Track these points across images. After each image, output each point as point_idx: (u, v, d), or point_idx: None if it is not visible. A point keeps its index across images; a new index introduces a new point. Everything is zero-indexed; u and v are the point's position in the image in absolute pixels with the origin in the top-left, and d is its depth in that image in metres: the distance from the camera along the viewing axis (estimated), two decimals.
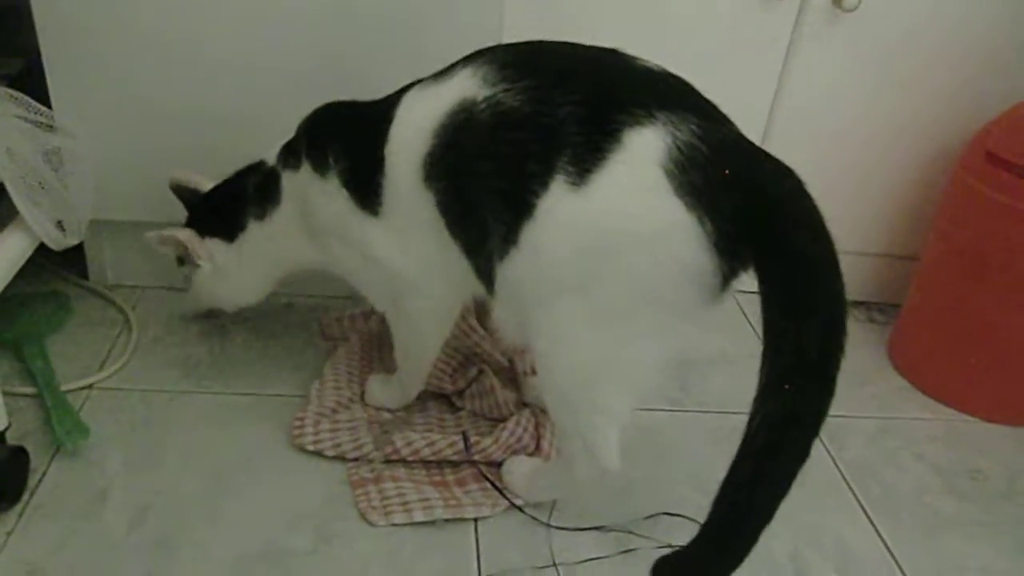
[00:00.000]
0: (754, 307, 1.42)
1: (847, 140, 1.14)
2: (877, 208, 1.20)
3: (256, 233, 0.89)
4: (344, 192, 0.78)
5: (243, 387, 0.96)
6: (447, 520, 0.79)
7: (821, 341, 0.60)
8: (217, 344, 1.03)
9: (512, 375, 0.97)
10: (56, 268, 1.12)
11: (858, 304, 1.29)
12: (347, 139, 0.78)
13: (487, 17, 0.93)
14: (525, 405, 0.92)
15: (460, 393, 0.95)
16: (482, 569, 0.75)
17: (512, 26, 0.93)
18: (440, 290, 0.80)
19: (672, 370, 1.07)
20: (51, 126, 0.89)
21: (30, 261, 0.89)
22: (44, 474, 0.81)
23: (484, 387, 0.93)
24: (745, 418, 1.04)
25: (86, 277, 1.12)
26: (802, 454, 0.61)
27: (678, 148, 0.60)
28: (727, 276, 0.63)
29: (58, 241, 0.90)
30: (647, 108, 0.61)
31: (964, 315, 1.05)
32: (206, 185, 0.93)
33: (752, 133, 1.27)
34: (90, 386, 0.94)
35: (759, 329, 1.18)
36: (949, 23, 1.06)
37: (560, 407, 0.74)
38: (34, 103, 0.88)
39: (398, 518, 0.78)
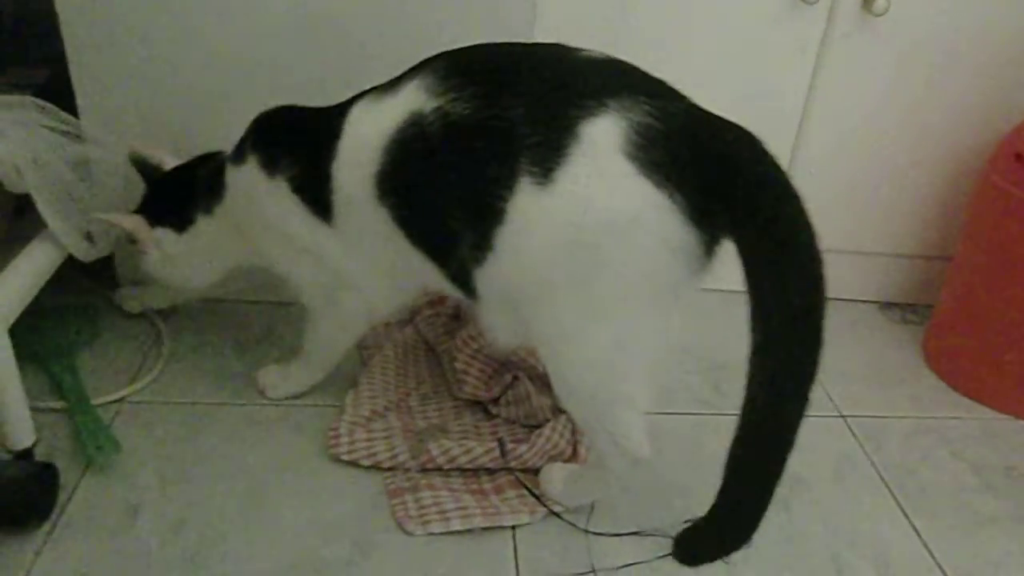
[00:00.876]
0: None
1: (878, 142, 1.14)
2: (909, 209, 1.20)
3: (203, 227, 0.88)
4: (295, 197, 0.78)
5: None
6: (485, 528, 0.79)
7: (804, 293, 0.61)
8: (251, 355, 1.02)
9: (547, 381, 0.96)
10: (85, 280, 1.10)
11: (892, 305, 1.29)
12: (296, 148, 0.78)
13: (519, 19, 0.93)
14: (561, 411, 0.91)
15: (495, 400, 0.94)
16: None
17: (544, 28, 0.93)
18: (382, 292, 0.82)
19: (706, 373, 1.06)
20: (79, 136, 0.89)
21: (58, 273, 0.88)
22: (75, 490, 0.80)
23: (520, 394, 0.92)
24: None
25: (116, 289, 1.10)
26: (803, 404, 0.63)
27: (635, 131, 0.61)
28: (709, 244, 0.64)
29: (87, 253, 0.89)
30: (597, 98, 0.62)
31: (996, 314, 1.05)
32: (167, 162, 0.91)
33: (785, 136, 1.26)
34: (121, 400, 0.93)
35: None
36: (977, 25, 1.06)
37: (579, 406, 0.74)
38: (61, 113, 0.88)
39: (435, 527, 0.78)
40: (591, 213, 0.62)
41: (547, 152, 0.62)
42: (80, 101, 0.94)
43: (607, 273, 0.65)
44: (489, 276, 0.69)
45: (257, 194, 0.81)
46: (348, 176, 0.74)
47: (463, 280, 0.72)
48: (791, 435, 0.64)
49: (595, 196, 0.62)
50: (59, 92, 0.92)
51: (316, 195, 0.77)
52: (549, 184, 0.62)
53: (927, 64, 1.09)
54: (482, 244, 0.67)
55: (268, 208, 0.81)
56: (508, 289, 0.69)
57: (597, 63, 0.67)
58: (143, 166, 0.92)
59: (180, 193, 0.89)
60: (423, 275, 0.77)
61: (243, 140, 0.83)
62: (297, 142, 0.79)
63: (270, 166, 0.79)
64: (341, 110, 0.76)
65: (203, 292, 0.97)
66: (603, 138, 0.62)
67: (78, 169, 0.88)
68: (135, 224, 0.88)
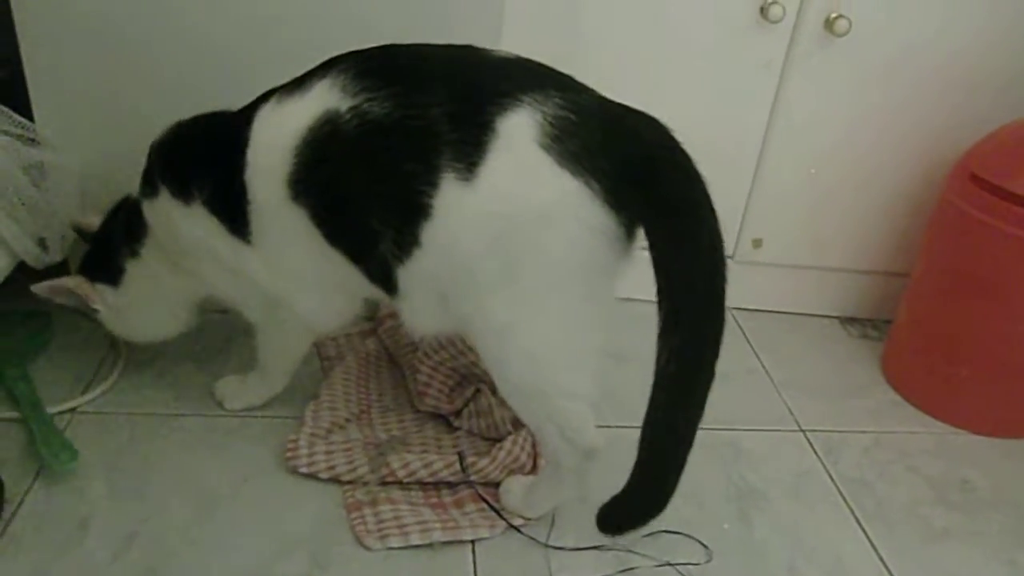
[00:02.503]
0: (749, 322, 1.43)
1: (840, 161, 1.16)
2: (869, 227, 1.22)
3: (136, 274, 0.87)
4: (214, 219, 0.77)
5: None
6: (444, 543, 0.78)
7: (708, 275, 0.65)
8: (208, 365, 1.00)
9: None
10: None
11: (852, 320, 1.31)
12: (206, 169, 0.77)
13: (485, 33, 0.93)
14: (522, 424, 0.91)
15: (457, 413, 0.93)
16: None
17: (506, 44, 0.93)
18: (317, 301, 0.82)
19: None
20: (33, 139, 0.87)
21: (10, 280, 0.86)
22: (21, 503, 0.77)
23: (481, 406, 0.92)
24: (742, 433, 1.04)
25: None
26: (709, 377, 0.66)
27: (549, 123, 0.63)
28: (628, 227, 0.66)
29: (40, 259, 0.87)
30: (511, 94, 0.64)
31: (951, 331, 1.07)
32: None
33: (749, 153, 1.28)
34: (73, 410, 0.91)
35: (755, 344, 1.19)
36: (937, 48, 1.09)
37: (524, 402, 0.75)
38: (15, 116, 0.86)
39: (394, 541, 0.77)
40: (514, 205, 0.64)
41: (467, 148, 0.64)
42: (35, 104, 0.92)
43: (535, 263, 0.66)
44: (415, 271, 0.70)
45: (176, 223, 0.80)
46: (261, 183, 0.73)
47: (383, 277, 0.72)
48: (700, 407, 0.67)
49: (516, 188, 0.64)
50: (14, 95, 0.90)
51: (233, 213, 0.76)
52: (472, 179, 0.64)
53: (888, 85, 1.11)
54: (407, 241, 0.68)
55: (191, 234, 0.80)
56: (437, 284, 0.70)
57: (507, 61, 0.69)
58: (84, 234, 0.91)
59: (105, 247, 0.88)
60: (348, 278, 0.76)
61: (149, 173, 0.81)
62: (205, 162, 0.78)
63: (184, 193, 0.78)
64: (244, 119, 0.75)
65: (176, 332, 0.93)
66: (519, 132, 0.63)
67: (32, 173, 0.86)
68: (76, 282, 0.87)
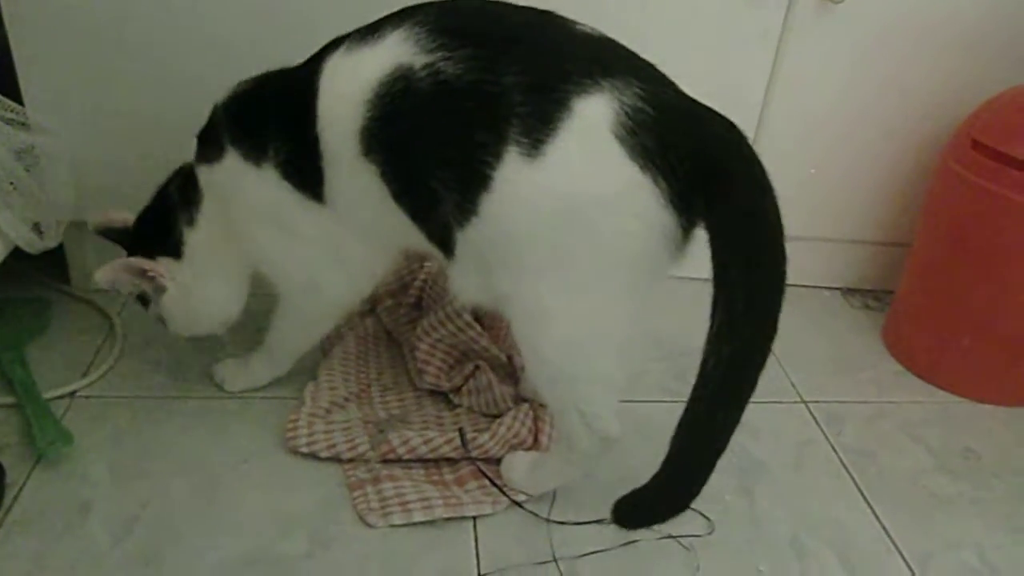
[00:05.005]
0: None
1: (839, 130, 1.15)
2: (869, 196, 1.21)
3: (194, 241, 0.83)
4: (286, 183, 0.75)
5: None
6: (445, 519, 0.78)
7: (768, 287, 0.64)
8: (206, 347, 0.99)
9: (509, 370, 0.95)
10: (35, 273, 1.07)
11: (853, 291, 1.31)
12: (275, 122, 0.74)
13: None
14: (523, 400, 0.91)
15: (457, 390, 0.93)
16: (481, 567, 0.75)
17: None
18: (369, 264, 0.81)
19: (671, 360, 1.06)
20: (24, 123, 0.87)
21: (6, 266, 0.86)
22: (22, 487, 0.78)
23: (481, 383, 0.91)
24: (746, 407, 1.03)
25: (68, 282, 1.08)
26: (752, 387, 0.66)
27: (626, 113, 0.62)
28: (686, 228, 0.65)
29: (34, 244, 0.87)
30: (592, 76, 0.62)
31: (954, 300, 1.07)
32: (130, 219, 0.86)
33: (746, 124, 1.26)
34: (72, 394, 0.90)
35: None
36: (936, 13, 1.08)
37: (552, 384, 0.74)
38: (4, 99, 0.85)
39: (397, 519, 0.77)
40: (576, 189, 0.63)
41: (537, 124, 0.62)
42: (24, 87, 0.91)
43: (588, 250, 0.65)
44: (470, 238, 0.68)
45: (243, 188, 0.77)
46: (332, 136, 0.71)
47: (443, 239, 0.71)
48: (739, 414, 0.67)
49: (582, 172, 0.63)
50: (3, 79, 0.90)
51: (306, 173, 0.74)
52: (538, 157, 0.62)
53: (886, 52, 1.10)
54: (466, 207, 0.66)
55: (259, 199, 0.77)
56: (488, 254, 0.68)
57: (592, 40, 0.67)
58: (111, 232, 0.87)
59: (161, 219, 0.83)
60: (407, 235, 0.74)
61: (213, 134, 0.78)
62: (276, 121, 0.75)
63: (256, 155, 0.75)
64: (312, 69, 0.71)
65: (239, 310, 0.88)
66: (595, 117, 0.62)
67: (24, 158, 0.85)
68: (140, 260, 0.81)
